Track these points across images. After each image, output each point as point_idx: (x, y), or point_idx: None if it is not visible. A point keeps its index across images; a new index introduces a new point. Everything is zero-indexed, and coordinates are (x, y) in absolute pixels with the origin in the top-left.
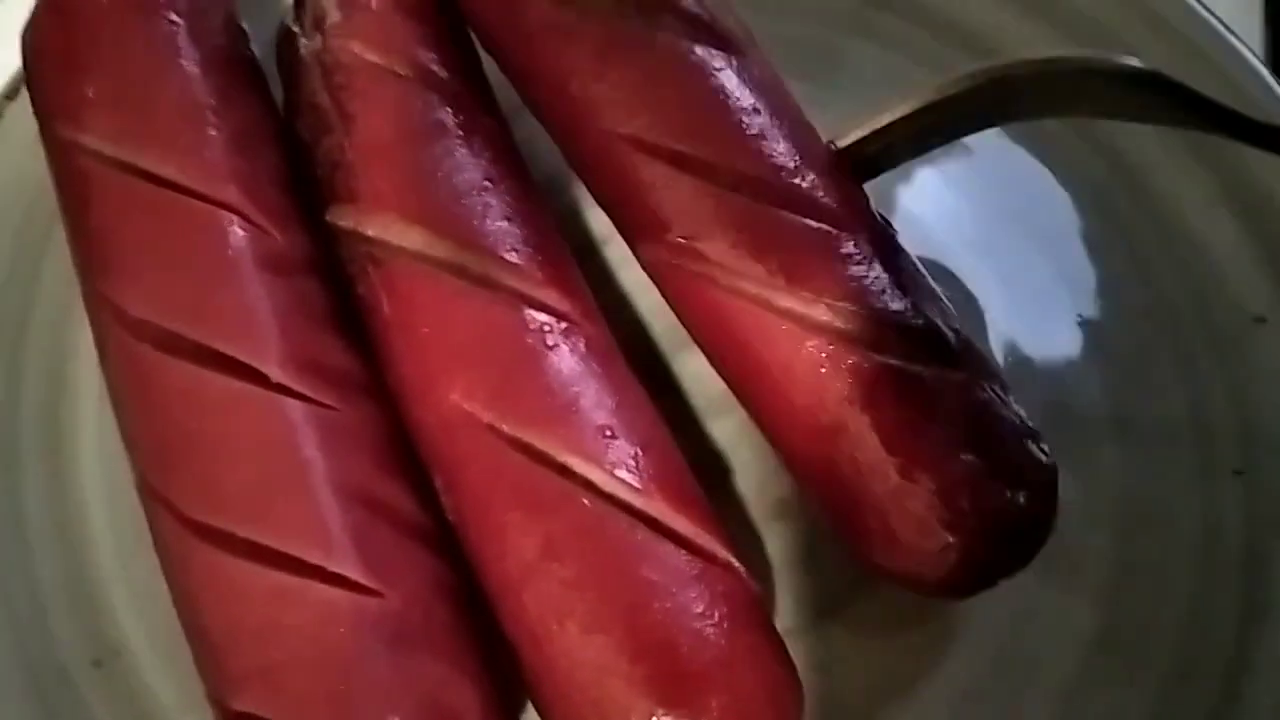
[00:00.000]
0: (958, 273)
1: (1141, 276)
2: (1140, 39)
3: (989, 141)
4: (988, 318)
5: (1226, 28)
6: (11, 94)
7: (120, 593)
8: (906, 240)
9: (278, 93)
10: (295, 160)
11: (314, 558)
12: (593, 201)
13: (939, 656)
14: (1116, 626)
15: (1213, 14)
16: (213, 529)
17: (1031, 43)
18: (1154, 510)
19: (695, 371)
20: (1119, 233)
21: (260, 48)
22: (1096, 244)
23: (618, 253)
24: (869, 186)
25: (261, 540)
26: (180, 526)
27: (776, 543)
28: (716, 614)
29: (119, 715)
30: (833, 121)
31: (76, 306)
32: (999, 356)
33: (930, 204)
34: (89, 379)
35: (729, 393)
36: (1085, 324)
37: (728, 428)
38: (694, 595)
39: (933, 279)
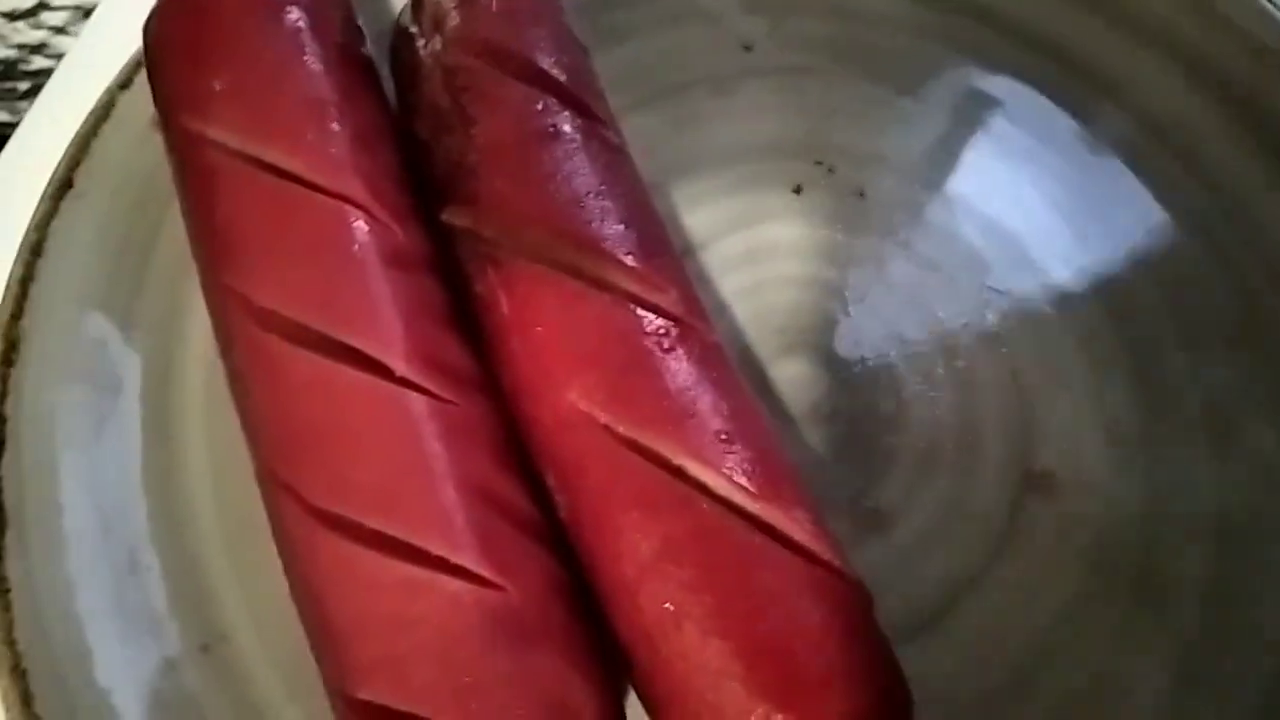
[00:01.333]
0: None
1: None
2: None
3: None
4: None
5: None
6: (125, 83)
7: (227, 579)
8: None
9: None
10: (409, 159)
11: (439, 550)
12: (691, 206)
13: (1033, 673)
14: (1209, 648)
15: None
16: (340, 518)
17: (1103, 43)
18: (1249, 527)
19: (792, 378)
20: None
21: (369, 47)
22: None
23: (715, 259)
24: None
25: (389, 531)
26: (306, 515)
27: (873, 554)
28: (834, 622)
29: (226, 701)
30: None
31: (186, 296)
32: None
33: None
34: (197, 367)
35: (826, 401)
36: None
37: (825, 437)
38: (811, 602)
39: None
